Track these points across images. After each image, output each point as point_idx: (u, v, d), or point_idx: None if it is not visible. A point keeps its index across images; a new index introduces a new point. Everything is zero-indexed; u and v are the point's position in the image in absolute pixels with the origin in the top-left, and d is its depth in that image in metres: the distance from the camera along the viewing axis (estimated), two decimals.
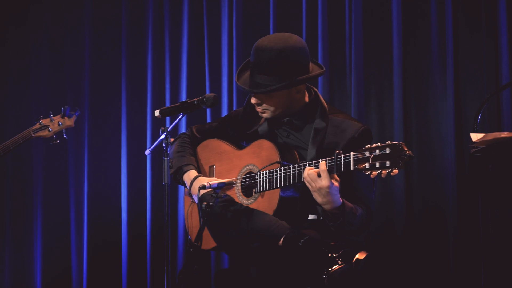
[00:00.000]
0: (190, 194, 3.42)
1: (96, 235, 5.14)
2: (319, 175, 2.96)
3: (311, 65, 3.24)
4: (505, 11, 4.17)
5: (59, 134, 4.12)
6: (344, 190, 3.08)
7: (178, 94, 5.00)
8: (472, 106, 4.26)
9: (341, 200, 3.02)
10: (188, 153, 3.51)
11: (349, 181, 3.16)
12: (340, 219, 3.02)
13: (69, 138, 4.17)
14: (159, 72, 5.08)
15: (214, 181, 3.31)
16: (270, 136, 3.34)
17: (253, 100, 3.24)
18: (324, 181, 2.94)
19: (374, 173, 2.78)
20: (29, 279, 5.26)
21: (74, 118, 4.13)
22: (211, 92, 4.79)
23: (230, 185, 3.29)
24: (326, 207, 3.00)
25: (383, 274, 4.21)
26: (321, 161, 2.96)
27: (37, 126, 4.07)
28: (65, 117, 4.10)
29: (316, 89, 3.36)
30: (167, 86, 5.04)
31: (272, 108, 3.24)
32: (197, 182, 3.35)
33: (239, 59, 4.78)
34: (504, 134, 3.22)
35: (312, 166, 3.00)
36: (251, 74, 3.24)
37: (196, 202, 3.35)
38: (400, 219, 4.36)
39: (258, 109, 3.27)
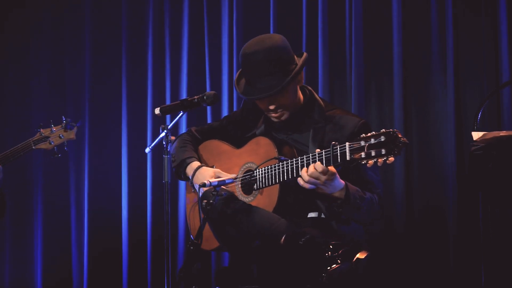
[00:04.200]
0: (192, 185, 3.41)
1: (97, 234, 5.13)
2: (321, 172, 2.97)
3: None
4: (505, 10, 4.18)
5: (60, 147, 4.08)
6: (354, 184, 3.11)
7: (178, 92, 5.01)
8: (472, 104, 4.26)
9: (343, 182, 3.05)
10: (190, 148, 3.52)
11: (359, 175, 3.19)
12: (347, 201, 3.05)
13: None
14: (159, 70, 5.08)
15: (218, 174, 3.32)
16: (270, 137, 3.34)
17: (272, 106, 3.24)
18: (328, 175, 2.97)
19: (371, 162, 2.80)
20: (29, 283, 5.26)
21: (75, 130, 4.09)
22: (211, 90, 4.79)
23: (229, 182, 3.29)
24: (336, 194, 3.04)
25: (383, 273, 4.21)
26: (318, 156, 2.98)
27: (37, 136, 4.02)
28: (67, 130, 4.06)
29: (310, 88, 3.39)
30: (167, 84, 5.04)
31: (287, 105, 3.25)
32: (200, 171, 3.35)
33: (239, 58, 4.77)
34: (503, 132, 3.22)
35: (309, 163, 3.01)
36: (249, 83, 3.25)
37: (197, 191, 3.36)
38: (400, 218, 4.36)
39: (275, 114, 3.27)
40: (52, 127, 4.06)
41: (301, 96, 3.34)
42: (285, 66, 3.19)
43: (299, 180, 3.04)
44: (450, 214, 4.27)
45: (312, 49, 4.59)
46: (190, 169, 3.42)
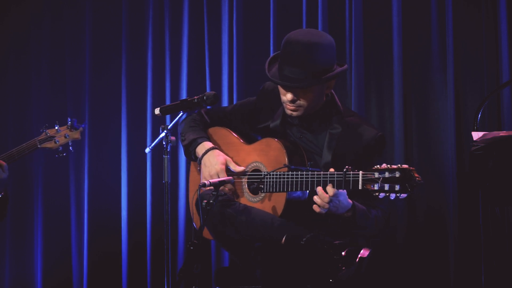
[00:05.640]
0: (200, 162, 3.38)
1: (97, 233, 5.13)
2: (335, 195, 2.95)
3: None
4: (505, 9, 4.18)
5: (65, 146, 4.10)
6: (359, 196, 3.09)
7: (178, 93, 5.00)
8: (472, 104, 4.26)
9: (351, 202, 3.03)
10: (201, 128, 3.48)
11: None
12: (353, 220, 3.03)
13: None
14: (159, 70, 5.08)
15: (229, 163, 3.31)
16: (281, 135, 3.31)
17: (289, 96, 3.18)
18: (341, 198, 2.97)
19: (383, 194, 2.77)
20: (29, 283, 5.26)
21: (80, 130, 4.12)
22: (211, 90, 4.79)
23: (229, 183, 3.28)
24: (345, 214, 3.03)
25: (384, 272, 4.22)
26: (330, 177, 2.96)
27: (43, 136, 4.05)
28: (72, 130, 4.09)
29: (333, 92, 3.32)
30: (167, 84, 5.04)
31: (306, 104, 3.20)
32: (212, 153, 3.33)
33: (239, 58, 4.78)
34: (503, 132, 3.23)
35: (320, 181, 2.98)
36: (281, 68, 3.18)
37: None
38: (400, 218, 4.36)
39: (291, 106, 3.20)
40: (57, 127, 4.08)
41: (323, 98, 3.29)
42: (318, 67, 3.12)
43: (314, 206, 3.00)
44: (450, 214, 4.28)
45: None
46: (202, 148, 3.37)
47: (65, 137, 4.07)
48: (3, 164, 3.84)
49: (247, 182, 3.30)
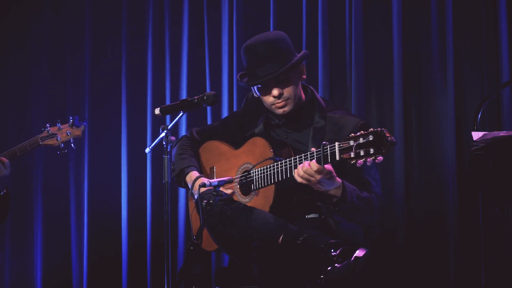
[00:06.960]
0: (192, 195, 3.43)
1: (97, 234, 5.13)
2: (316, 171, 2.98)
3: None
4: (505, 9, 4.18)
5: (66, 143, 4.14)
6: (351, 184, 3.12)
7: (178, 93, 5.01)
8: (472, 104, 4.26)
9: (339, 180, 3.07)
10: (189, 154, 3.53)
11: (356, 175, 3.20)
12: (344, 199, 3.06)
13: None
14: (159, 70, 5.08)
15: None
16: (266, 138, 3.37)
17: (276, 92, 3.26)
18: (323, 174, 2.99)
19: (360, 161, 2.80)
20: (29, 284, 5.26)
21: (82, 128, 4.16)
22: (211, 90, 4.79)
23: (229, 183, 3.30)
24: (332, 192, 3.06)
25: (381, 272, 4.21)
26: (310, 156, 3.00)
27: (45, 133, 4.09)
28: (74, 127, 4.12)
29: (312, 88, 3.42)
30: (167, 84, 5.04)
31: (292, 95, 3.28)
32: (198, 182, 3.36)
33: (239, 58, 4.76)
34: (503, 132, 3.23)
35: (302, 161, 3.04)
36: (253, 74, 3.28)
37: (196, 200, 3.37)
38: (400, 218, 4.36)
39: (280, 102, 3.29)
40: (59, 125, 4.11)
41: (303, 95, 3.36)
42: (285, 56, 3.25)
43: (295, 172, 3.05)
44: (450, 214, 4.27)
45: (312, 50, 4.59)
46: (189, 179, 3.44)
47: (67, 134, 4.11)
48: (5, 161, 3.88)
49: (239, 184, 3.34)
